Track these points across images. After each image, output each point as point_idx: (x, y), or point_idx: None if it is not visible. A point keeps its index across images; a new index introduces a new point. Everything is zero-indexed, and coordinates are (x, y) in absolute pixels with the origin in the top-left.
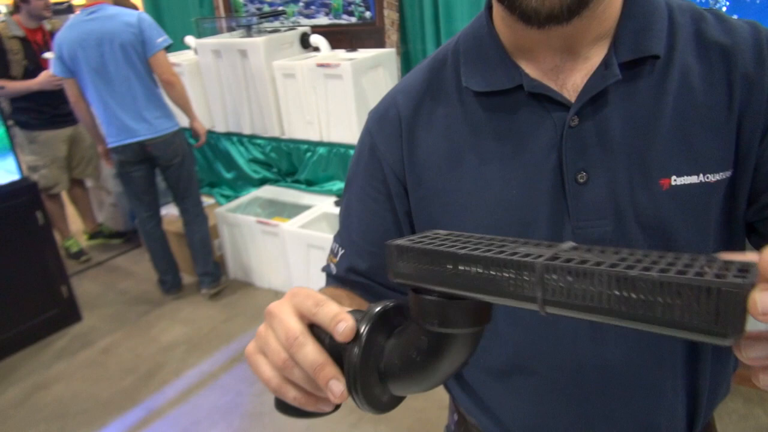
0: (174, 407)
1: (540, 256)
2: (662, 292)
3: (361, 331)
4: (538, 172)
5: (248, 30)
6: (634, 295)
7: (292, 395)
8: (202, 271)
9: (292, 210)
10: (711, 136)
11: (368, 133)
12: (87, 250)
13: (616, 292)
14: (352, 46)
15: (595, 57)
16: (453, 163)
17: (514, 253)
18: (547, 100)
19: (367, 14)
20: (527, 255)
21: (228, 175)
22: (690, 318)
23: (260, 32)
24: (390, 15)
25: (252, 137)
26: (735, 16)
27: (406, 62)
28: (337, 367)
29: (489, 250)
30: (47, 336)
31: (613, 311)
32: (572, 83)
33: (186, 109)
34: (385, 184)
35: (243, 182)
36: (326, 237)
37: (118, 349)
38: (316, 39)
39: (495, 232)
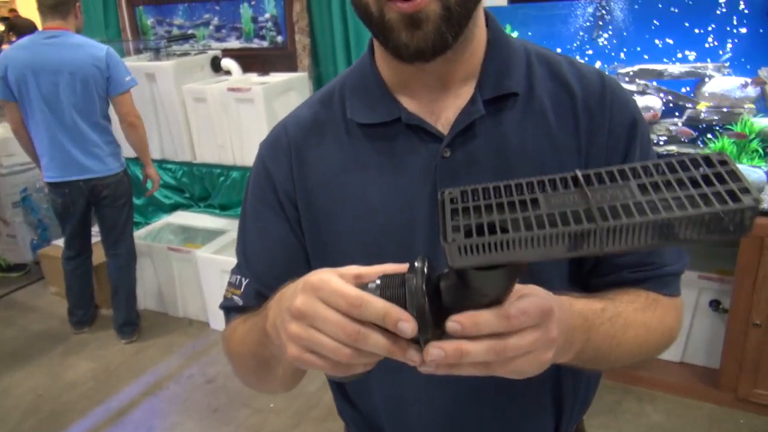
0: None
1: (579, 211)
2: (697, 221)
3: (424, 306)
4: (416, 200)
5: (156, 53)
6: (673, 234)
7: (361, 370)
8: (125, 320)
9: (206, 235)
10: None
11: (260, 160)
12: None
13: (655, 232)
14: (264, 70)
15: (464, 95)
16: (339, 190)
17: (564, 217)
18: (423, 132)
19: (279, 39)
20: (572, 214)
21: (137, 202)
22: (722, 231)
23: (169, 55)
24: (301, 40)
25: (162, 162)
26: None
27: (319, 86)
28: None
29: (541, 227)
30: None
31: (654, 243)
32: (445, 118)
33: (143, 153)
34: (280, 206)
35: (154, 208)
36: None
37: (17, 389)
38: (227, 62)
39: (379, 255)
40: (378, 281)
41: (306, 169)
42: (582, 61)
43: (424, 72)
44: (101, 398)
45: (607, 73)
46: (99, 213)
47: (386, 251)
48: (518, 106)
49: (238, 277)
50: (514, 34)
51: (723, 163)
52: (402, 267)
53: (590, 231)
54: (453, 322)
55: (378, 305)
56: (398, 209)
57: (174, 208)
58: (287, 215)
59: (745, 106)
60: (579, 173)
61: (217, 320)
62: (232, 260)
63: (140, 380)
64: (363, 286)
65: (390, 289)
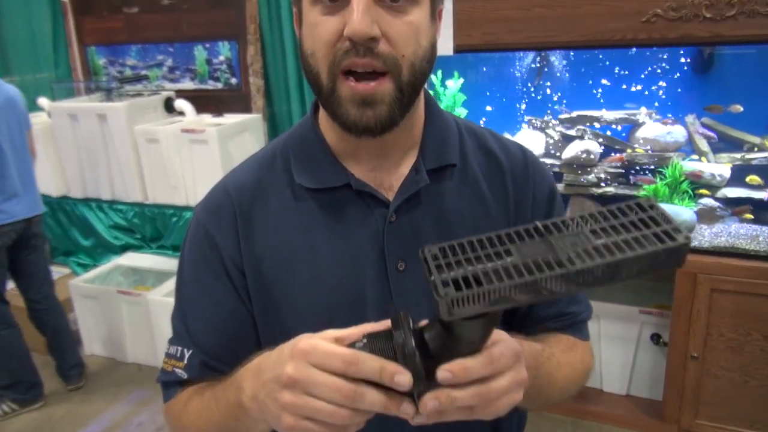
0: None
1: (549, 259)
2: (645, 258)
3: (416, 359)
4: (365, 261)
5: (108, 94)
6: (624, 271)
7: (354, 429)
8: (73, 362)
9: (158, 277)
10: None
11: (201, 226)
12: None
13: (612, 271)
14: (218, 111)
15: (407, 163)
16: (290, 252)
17: (538, 264)
18: (370, 197)
19: (233, 80)
20: (544, 262)
21: (85, 243)
22: (661, 264)
23: (121, 96)
24: (255, 82)
25: (112, 203)
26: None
27: (273, 126)
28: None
29: (520, 275)
30: None
31: (610, 280)
32: (389, 184)
33: None
34: (225, 272)
35: (103, 250)
36: None
37: None
38: (180, 103)
39: (330, 316)
40: (365, 340)
41: (253, 233)
42: (502, 135)
43: (368, 141)
44: None
45: (525, 146)
46: (24, 255)
47: (337, 312)
48: (455, 175)
49: (179, 348)
50: (460, 81)
51: (652, 207)
52: (379, 325)
53: (565, 274)
54: (444, 372)
55: (374, 361)
56: (348, 271)
57: (124, 249)
58: (233, 282)
59: (674, 150)
60: (539, 224)
61: None
62: None
63: (87, 430)
64: (350, 345)
65: (378, 346)
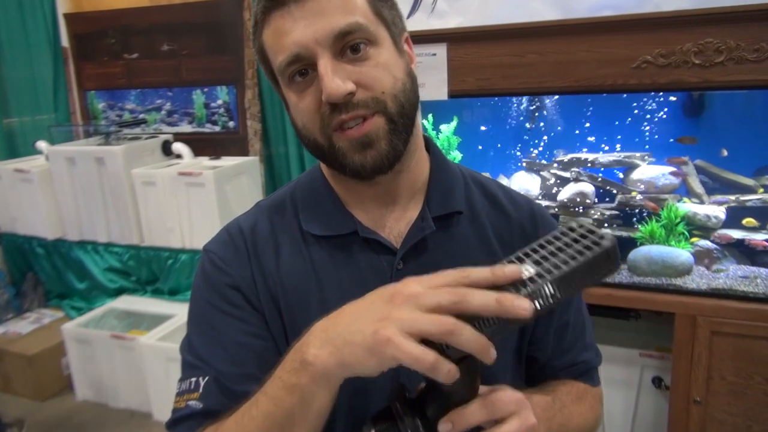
0: None
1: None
2: (583, 267)
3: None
4: None
5: (107, 137)
6: (576, 281)
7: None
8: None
9: (152, 321)
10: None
11: (212, 263)
12: None
13: (562, 285)
14: (215, 153)
15: (412, 210)
16: (301, 297)
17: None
18: (377, 244)
19: (231, 124)
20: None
21: (80, 286)
22: (601, 267)
23: (119, 140)
24: (253, 125)
25: (108, 245)
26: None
27: (270, 168)
28: None
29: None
30: None
31: (565, 295)
32: (397, 230)
33: None
34: (246, 301)
35: (97, 292)
36: None
37: None
38: (178, 146)
39: None
40: (372, 430)
41: (267, 276)
42: (507, 186)
43: (375, 187)
44: None
45: (531, 198)
46: None
47: None
48: (462, 222)
49: (192, 379)
50: (453, 123)
51: (581, 226)
52: None
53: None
54: (444, 424)
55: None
56: None
57: (119, 292)
58: (256, 309)
59: (669, 192)
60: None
61: (160, 411)
62: (177, 347)
63: None
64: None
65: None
